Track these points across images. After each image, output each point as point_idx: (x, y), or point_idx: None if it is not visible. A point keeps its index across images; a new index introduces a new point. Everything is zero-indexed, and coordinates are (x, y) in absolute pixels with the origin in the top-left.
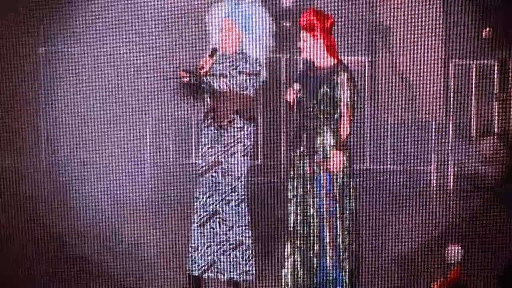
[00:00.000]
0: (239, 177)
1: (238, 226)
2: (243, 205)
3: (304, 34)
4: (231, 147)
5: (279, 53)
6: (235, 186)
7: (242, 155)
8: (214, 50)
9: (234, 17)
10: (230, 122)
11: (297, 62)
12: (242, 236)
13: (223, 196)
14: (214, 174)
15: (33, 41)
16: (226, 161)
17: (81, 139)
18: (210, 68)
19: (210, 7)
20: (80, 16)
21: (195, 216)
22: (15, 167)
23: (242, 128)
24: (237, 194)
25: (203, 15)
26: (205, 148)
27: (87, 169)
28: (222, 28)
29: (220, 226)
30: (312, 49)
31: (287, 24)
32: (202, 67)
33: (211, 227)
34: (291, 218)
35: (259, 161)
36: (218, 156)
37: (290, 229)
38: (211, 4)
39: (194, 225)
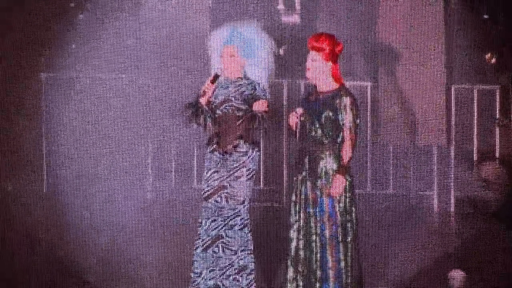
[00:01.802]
0: (243, 202)
1: (242, 251)
2: (246, 230)
3: (312, 55)
4: (236, 171)
5: (281, 78)
6: (239, 211)
7: (247, 180)
8: (216, 76)
9: (236, 42)
10: (234, 147)
11: (299, 86)
12: (246, 261)
13: (227, 220)
14: (218, 199)
15: (34, 67)
16: (230, 186)
17: (83, 164)
18: (213, 93)
19: (210, 33)
20: (81, 42)
21: (198, 241)
22: (17, 191)
23: (246, 153)
24: (241, 219)
25: (204, 41)
26: (209, 173)
27: (89, 193)
28: (224, 54)
29: (223, 250)
30: (318, 70)
31: (287, 49)
32: (205, 92)
33: (214, 252)
34: (293, 243)
35: (261, 186)
36: (222, 181)
37: (292, 254)
38: (212, 30)
39: (198, 250)
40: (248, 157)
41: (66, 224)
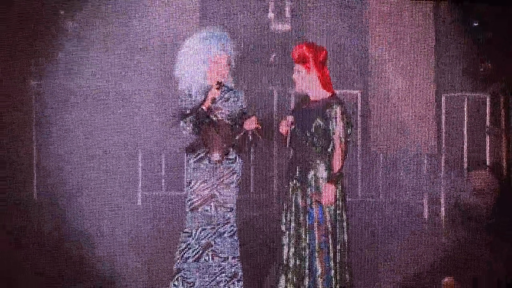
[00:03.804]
0: (232, 209)
1: (233, 258)
2: (235, 237)
3: (297, 67)
4: (226, 178)
5: (271, 86)
6: (228, 218)
7: (236, 186)
8: (219, 83)
9: (230, 51)
10: (226, 154)
11: (289, 95)
12: (236, 268)
13: (216, 228)
14: (207, 208)
15: (24, 74)
16: (220, 194)
17: (73, 171)
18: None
19: (196, 36)
20: (71, 49)
21: (190, 251)
22: (6, 199)
23: (235, 159)
24: (230, 226)
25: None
26: (198, 183)
27: (78, 200)
28: (220, 62)
29: (213, 258)
30: (305, 82)
31: (277, 57)
32: (214, 100)
33: (205, 260)
34: (285, 250)
35: (251, 194)
36: (212, 189)
37: (284, 262)
38: (188, 36)
39: (190, 260)
40: (237, 164)
41: (55, 231)
